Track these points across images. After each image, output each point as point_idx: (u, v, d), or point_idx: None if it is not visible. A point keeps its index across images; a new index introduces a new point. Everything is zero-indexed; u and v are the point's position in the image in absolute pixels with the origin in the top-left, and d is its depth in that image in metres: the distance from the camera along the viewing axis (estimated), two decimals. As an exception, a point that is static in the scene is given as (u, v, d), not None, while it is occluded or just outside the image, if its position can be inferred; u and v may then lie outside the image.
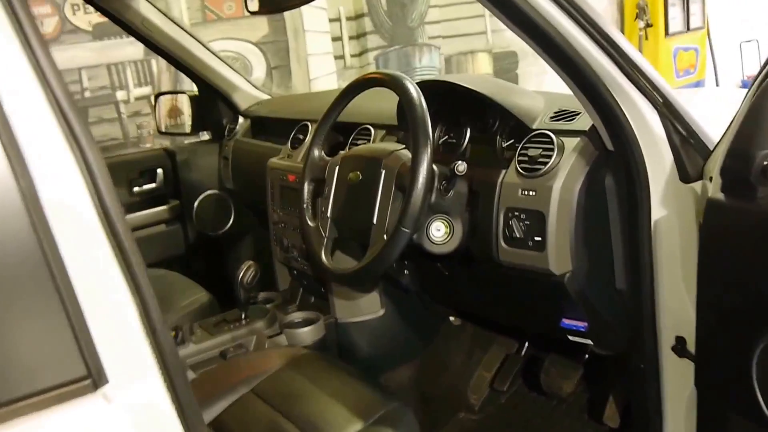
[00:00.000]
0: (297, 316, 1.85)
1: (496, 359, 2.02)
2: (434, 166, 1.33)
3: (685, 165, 1.16)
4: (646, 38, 5.01)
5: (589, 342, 1.42)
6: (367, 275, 1.32)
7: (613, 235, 1.30)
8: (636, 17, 5.05)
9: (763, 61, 1.05)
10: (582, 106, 1.23)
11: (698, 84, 5.32)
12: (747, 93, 1.06)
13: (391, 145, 1.43)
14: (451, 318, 2.05)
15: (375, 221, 1.33)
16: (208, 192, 2.47)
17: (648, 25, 5.02)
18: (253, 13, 1.30)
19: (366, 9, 4.52)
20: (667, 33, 5.05)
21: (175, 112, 2.52)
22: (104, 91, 3.73)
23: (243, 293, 1.75)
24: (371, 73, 1.46)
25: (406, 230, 1.24)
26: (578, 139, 1.29)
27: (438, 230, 1.34)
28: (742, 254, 1.02)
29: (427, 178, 1.23)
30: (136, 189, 2.33)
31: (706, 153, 1.17)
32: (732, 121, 1.07)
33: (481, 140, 1.54)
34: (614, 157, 1.24)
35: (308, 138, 1.89)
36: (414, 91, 1.31)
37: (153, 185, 2.37)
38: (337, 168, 1.47)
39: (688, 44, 5.24)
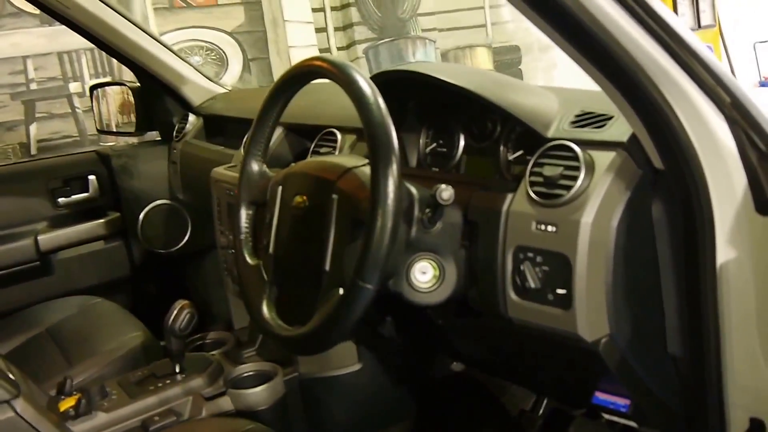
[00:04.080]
0: (248, 368, 1.47)
1: (508, 417, 1.67)
2: (414, 189, 0.99)
3: (765, 190, 0.87)
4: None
5: (633, 424, 1.11)
6: (316, 342, 0.98)
7: (664, 284, 0.99)
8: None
9: None
10: (617, 108, 0.91)
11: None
12: None
13: (349, 160, 1.07)
14: (453, 364, 1.70)
15: (328, 267, 0.98)
16: (157, 202, 2.10)
17: (656, 22, 4.81)
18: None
19: (352, -2, 4.18)
20: (678, 31, 4.85)
21: (119, 107, 2.15)
22: (55, 82, 3.34)
23: (174, 343, 1.38)
24: (310, 60, 1.09)
25: (367, 286, 0.89)
26: (613, 153, 0.96)
27: (423, 273, 1.00)
28: None
29: (395, 210, 0.89)
30: (62, 200, 1.96)
31: None
32: None
33: (479, 150, 1.21)
34: (664, 179, 0.94)
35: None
36: (366, 86, 0.96)
37: (85, 195, 2.00)
38: (280, 189, 1.10)
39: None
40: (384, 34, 4.34)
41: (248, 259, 1.13)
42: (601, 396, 1.09)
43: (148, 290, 2.15)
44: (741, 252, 0.89)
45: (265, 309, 1.06)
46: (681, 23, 0.84)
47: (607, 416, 1.12)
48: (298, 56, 3.98)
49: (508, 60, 4.76)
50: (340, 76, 0.99)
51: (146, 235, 2.09)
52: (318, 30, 4.08)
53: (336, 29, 4.18)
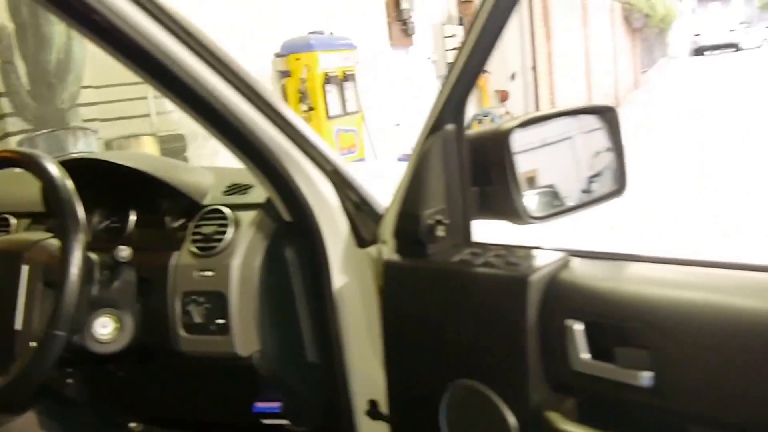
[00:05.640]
0: None
1: None
2: (92, 255, 1.18)
3: (360, 231, 1.18)
4: (310, 120, 5.31)
5: (286, 422, 1.36)
6: (12, 396, 1.08)
7: (299, 308, 1.28)
8: (299, 101, 5.39)
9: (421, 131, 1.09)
10: (255, 179, 1.19)
11: (361, 161, 5.84)
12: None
13: (34, 235, 1.23)
14: (132, 425, 1.79)
15: (20, 327, 1.11)
16: None
17: (310, 109, 5.38)
18: None
19: (3, 88, 4.00)
20: (328, 116, 5.46)
21: None
22: None
23: None
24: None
25: (60, 333, 1.05)
26: (254, 212, 1.26)
27: (104, 327, 1.18)
28: (420, 309, 1.05)
29: (83, 268, 1.08)
30: None
31: (377, 218, 1.21)
32: (399, 187, 1.12)
33: (148, 223, 1.41)
34: (293, 229, 1.23)
35: None
36: (53, 170, 1.15)
37: None
38: None
39: (347, 126, 5.74)
40: (41, 126, 4.19)
41: None
42: (259, 405, 1.33)
43: None
44: (350, 278, 1.18)
45: None
46: (295, 116, 1.14)
47: (265, 421, 1.35)
48: (-60, 150, 3.66)
49: (174, 147, 4.88)
50: (30, 163, 1.15)
51: None
52: (-36, 122, 3.81)
53: (-14, 121, 3.94)
